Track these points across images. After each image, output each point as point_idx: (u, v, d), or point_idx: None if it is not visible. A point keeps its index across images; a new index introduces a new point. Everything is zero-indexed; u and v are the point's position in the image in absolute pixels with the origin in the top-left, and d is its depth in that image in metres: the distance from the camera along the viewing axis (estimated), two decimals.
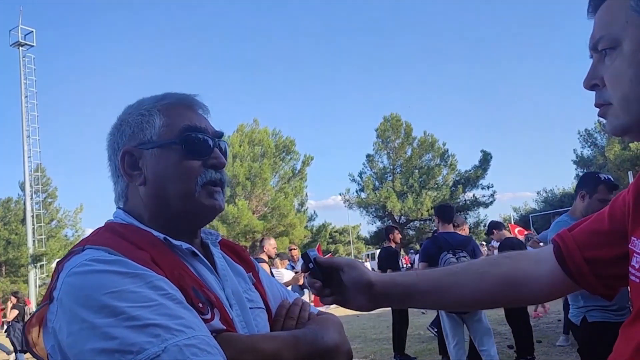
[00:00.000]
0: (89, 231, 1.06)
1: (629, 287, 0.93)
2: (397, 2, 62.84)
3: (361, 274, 1.15)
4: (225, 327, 0.91)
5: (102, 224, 1.03)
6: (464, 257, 5.08)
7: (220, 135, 1.07)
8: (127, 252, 0.87)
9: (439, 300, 1.17)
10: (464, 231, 7.04)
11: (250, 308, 1.03)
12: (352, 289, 1.15)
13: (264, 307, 1.08)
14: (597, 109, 0.90)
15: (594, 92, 0.90)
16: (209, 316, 0.89)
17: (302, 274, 6.69)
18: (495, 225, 7.70)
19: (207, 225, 1.10)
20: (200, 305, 0.89)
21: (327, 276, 1.16)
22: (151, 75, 58.11)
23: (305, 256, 1.17)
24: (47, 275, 29.50)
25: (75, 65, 59.98)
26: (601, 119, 0.91)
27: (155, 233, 0.97)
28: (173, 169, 0.99)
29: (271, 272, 6.61)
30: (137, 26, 62.02)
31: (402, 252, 23.18)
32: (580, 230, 1.06)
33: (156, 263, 0.89)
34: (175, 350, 0.75)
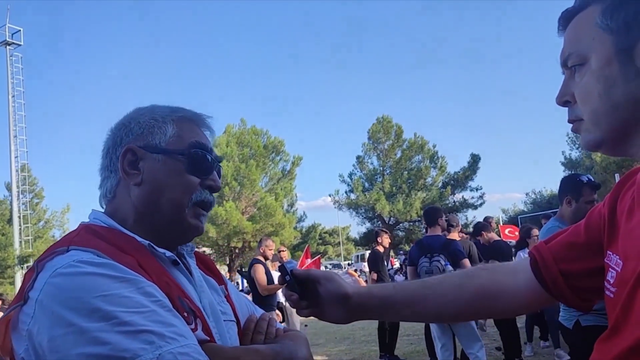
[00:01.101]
0: None
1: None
2: (387, 5, 63.09)
3: (338, 286, 1.15)
4: (208, 338, 0.92)
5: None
6: (437, 261, 5.08)
7: (220, 160, 1.10)
8: (114, 255, 0.86)
9: (415, 312, 1.17)
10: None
11: (223, 320, 1.04)
12: (329, 301, 1.15)
13: (234, 319, 1.09)
14: (572, 124, 0.91)
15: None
16: (192, 326, 0.89)
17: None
18: (483, 227, 7.70)
19: None
20: (186, 314, 0.89)
21: (304, 288, 1.16)
22: (136, 75, 57.88)
23: (282, 268, 1.17)
24: None
25: (62, 65, 59.59)
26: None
27: (139, 239, 0.96)
28: (174, 178, 1.00)
29: (267, 272, 6.61)
30: (124, 27, 61.74)
31: (391, 253, 23.24)
32: (557, 242, 1.07)
33: (143, 269, 0.88)
34: (170, 358, 0.75)
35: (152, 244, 0.96)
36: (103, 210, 1.04)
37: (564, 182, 3.55)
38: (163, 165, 1.00)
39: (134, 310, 0.77)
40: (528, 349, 7.14)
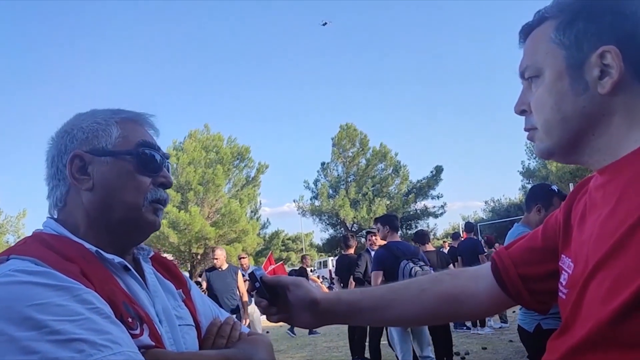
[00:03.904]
0: None
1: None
2: (351, 15, 63.70)
3: (306, 292, 1.17)
4: (154, 343, 0.90)
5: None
6: (425, 265, 5.17)
7: (168, 157, 1.10)
8: (54, 263, 0.85)
9: (381, 316, 1.20)
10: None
11: (179, 325, 1.02)
12: (298, 307, 1.18)
13: (193, 324, 1.08)
14: (528, 133, 0.96)
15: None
16: (137, 331, 0.88)
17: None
18: (427, 236, 7.67)
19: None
20: (130, 320, 0.88)
21: (273, 294, 1.18)
22: (96, 78, 56.58)
23: (251, 275, 1.19)
24: None
25: (17, 66, 57.70)
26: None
27: (87, 245, 0.95)
28: (125, 180, 1.00)
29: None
30: (80, 28, 60.26)
31: None
32: (516, 247, 1.12)
33: (86, 276, 0.87)
34: None
35: (100, 250, 0.95)
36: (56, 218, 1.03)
37: (536, 190, 3.58)
38: (112, 167, 1.00)
39: (66, 319, 0.76)
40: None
